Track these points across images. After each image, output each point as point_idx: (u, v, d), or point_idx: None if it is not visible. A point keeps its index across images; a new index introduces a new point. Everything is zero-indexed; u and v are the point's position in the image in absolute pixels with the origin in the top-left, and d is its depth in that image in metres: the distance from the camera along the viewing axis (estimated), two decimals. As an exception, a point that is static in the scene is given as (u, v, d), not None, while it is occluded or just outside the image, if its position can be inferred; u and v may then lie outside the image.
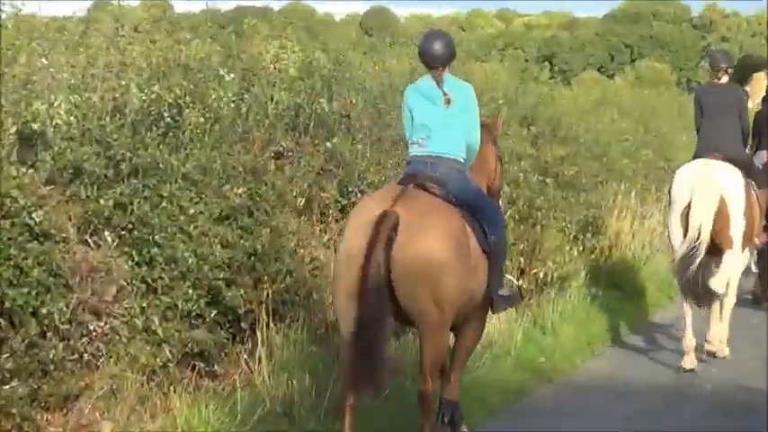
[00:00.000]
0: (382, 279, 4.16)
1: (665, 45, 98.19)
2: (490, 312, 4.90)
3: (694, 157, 7.49)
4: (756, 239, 7.79)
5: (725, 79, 7.72)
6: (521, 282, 7.47)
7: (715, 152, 7.34)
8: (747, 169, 7.54)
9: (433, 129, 4.76)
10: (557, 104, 10.37)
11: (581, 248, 8.58)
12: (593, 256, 8.90)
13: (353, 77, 7.38)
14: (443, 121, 4.76)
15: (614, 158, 10.92)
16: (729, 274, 7.18)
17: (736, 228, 7.15)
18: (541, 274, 7.74)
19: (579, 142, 9.76)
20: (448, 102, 4.76)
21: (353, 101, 6.93)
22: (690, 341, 6.98)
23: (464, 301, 4.51)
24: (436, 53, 4.81)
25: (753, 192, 7.49)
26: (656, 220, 11.36)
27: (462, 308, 4.53)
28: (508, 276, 5.54)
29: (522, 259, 7.64)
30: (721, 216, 7.04)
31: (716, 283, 6.99)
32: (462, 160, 4.80)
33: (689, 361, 6.92)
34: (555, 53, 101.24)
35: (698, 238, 6.83)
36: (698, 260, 6.75)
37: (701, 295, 6.88)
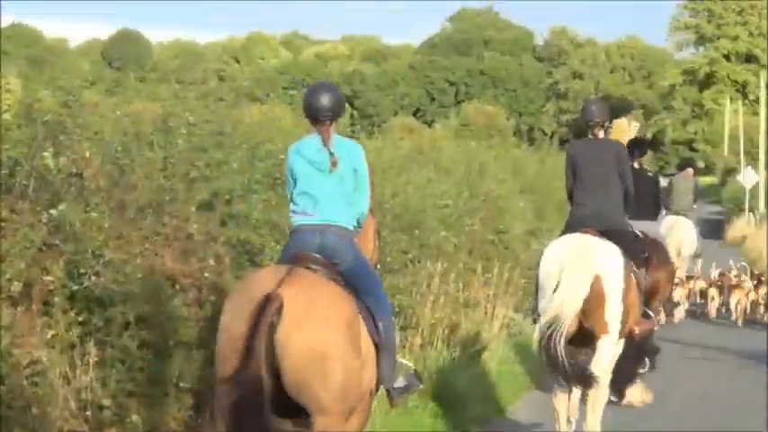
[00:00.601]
0: (260, 372, 5.20)
1: (499, 83, 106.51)
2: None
3: (566, 230, 8.60)
4: (636, 328, 8.87)
5: (602, 134, 8.83)
6: None
7: (592, 223, 8.44)
8: (628, 243, 8.64)
9: (319, 199, 5.90)
10: None
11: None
12: (400, 356, 9.67)
13: (88, 124, 7.63)
14: (330, 190, 5.91)
15: (430, 230, 11.89)
16: (603, 366, 8.27)
17: (613, 312, 8.20)
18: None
19: (384, 209, 10.52)
20: (334, 164, 5.88)
21: (87, 155, 7.20)
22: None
23: (356, 394, 5.53)
24: (323, 106, 5.94)
25: (632, 273, 8.52)
26: (482, 310, 12.59)
27: (353, 401, 5.55)
28: (403, 361, 6.43)
29: None
30: (596, 298, 8.07)
31: (594, 369, 8.15)
32: (352, 228, 5.98)
33: None
34: (358, 92, 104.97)
35: (557, 321, 7.83)
36: (558, 347, 7.78)
37: (571, 374, 7.93)
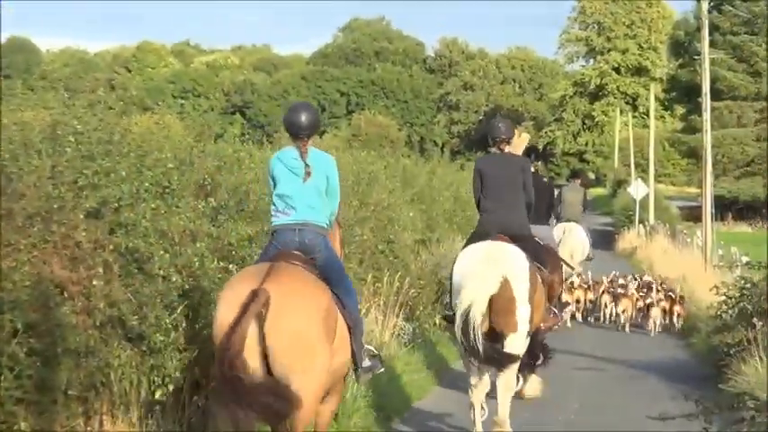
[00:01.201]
0: (242, 349, 6.33)
1: (391, 93, 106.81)
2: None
3: (475, 237, 9.70)
4: (542, 325, 10.33)
5: (507, 149, 10.06)
6: (195, 398, 8.19)
7: (499, 230, 9.55)
8: (533, 247, 9.79)
9: (295, 199, 7.23)
10: (246, 169, 10.98)
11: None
12: None
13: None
14: (305, 193, 7.24)
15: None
16: (514, 354, 9.19)
17: (521, 312, 9.19)
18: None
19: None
20: (308, 174, 7.24)
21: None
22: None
23: (331, 377, 6.88)
24: (302, 125, 7.34)
25: (538, 275, 9.65)
26: (373, 317, 12.91)
27: (329, 383, 6.91)
28: (367, 346, 7.64)
29: (197, 369, 8.24)
30: (505, 299, 9.08)
31: (503, 378, 9.23)
32: (326, 226, 7.36)
33: None
34: (248, 102, 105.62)
35: (470, 318, 8.79)
36: (477, 333, 8.79)
37: (489, 353, 8.89)
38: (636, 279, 21.00)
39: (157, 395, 8.13)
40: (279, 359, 6.50)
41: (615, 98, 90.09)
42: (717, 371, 13.26)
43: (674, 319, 19.19)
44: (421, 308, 15.45)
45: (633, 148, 62.52)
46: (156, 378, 8.14)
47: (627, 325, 19.18)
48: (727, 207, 55.28)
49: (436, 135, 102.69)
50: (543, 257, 10.43)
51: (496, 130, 10.11)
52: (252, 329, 6.44)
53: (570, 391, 13.04)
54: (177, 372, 8.18)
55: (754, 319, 13.26)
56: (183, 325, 8.29)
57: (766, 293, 13.23)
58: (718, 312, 14.58)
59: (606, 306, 19.67)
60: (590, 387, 13.45)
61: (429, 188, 24.81)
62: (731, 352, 13.25)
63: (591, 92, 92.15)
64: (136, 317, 7.94)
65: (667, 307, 19.23)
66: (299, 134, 7.36)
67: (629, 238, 41.85)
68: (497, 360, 9.05)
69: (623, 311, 19.18)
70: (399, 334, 13.91)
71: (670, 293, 19.64)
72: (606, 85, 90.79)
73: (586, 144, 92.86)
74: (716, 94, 49.61)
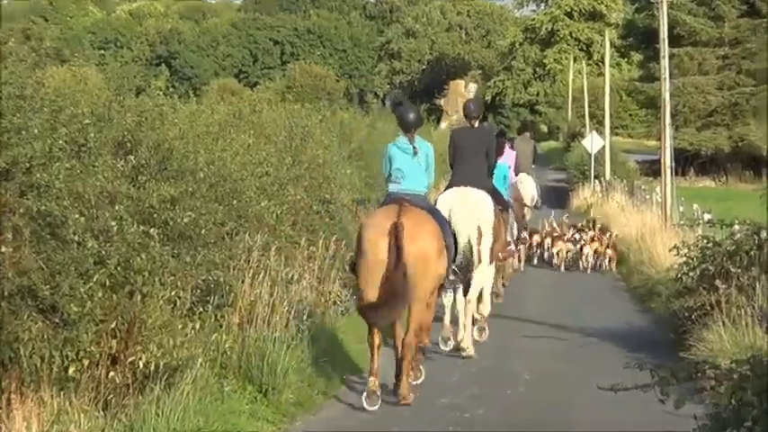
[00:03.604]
0: (404, 263, 10.38)
1: (328, 42, 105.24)
2: None
3: (449, 187, 13.32)
4: (500, 254, 14.27)
5: (476, 124, 13.72)
6: (111, 374, 8.17)
7: (468, 184, 13.07)
8: (495, 195, 13.55)
9: (405, 172, 11.14)
10: (169, 125, 10.96)
11: (199, 326, 9.28)
12: (217, 336, 9.66)
13: None
14: (412, 167, 11.13)
15: (249, 200, 12.06)
16: (482, 284, 13.41)
17: (486, 244, 12.94)
18: (142, 363, 8.24)
19: (198, 178, 10.58)
20: (415, 153, 11.14)
21: None
22: (447, 329, 13.36)
23: (438, 279, 10.94)
24: (411, 122, 11.31)
25: (500, 214, 13.66)
26: (307, 284, 12.84)
27: (437, 283, 11.01)
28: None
29: (114, 342, 8.19)
30: (477, 234, 12.81)
31: (469, 295, 13.22)
32: (424, 193, 11.29)
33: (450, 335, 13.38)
34: (175, 53, 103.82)
35: (471, 251, 12.71)
36: (474, 256, 12.80)
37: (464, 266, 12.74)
38: (573, 227, 24.55)
39: (71, 371, 8.08)
40: (412, 268, 10.39)
41: (568, 45, 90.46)
42: (677, 338, 13.34)
43: (605, 262, 23.03)
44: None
45: (588, 98, 62.93)
46: (69, 353, 8.06)
47: (562, 265, 23.01)
48: (688, 161, 55.66)
49: (377, 86, 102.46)
50: (503, 200, 14.41)
51: (469, 110, 13.69)
52: (393, 249, 10.33)
53: (520, 361, 13.16)
54: (93, 345, 8.13)
55: (717, 282, 13.23)
56: (100, 294, 8.18)
57: (728, 253, 13.31)
58: (679, 275, 14.61)
59: (548, 249, 23.55)
60: (541, 356, 13.56)
61: (369, 143, 24.78)
62: (692, 317, 13.35)
63: (542, 39, 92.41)
64: (48, 286, 7.87)
65: (601, 250, 23.04)
66: (407, 129, 11.29)
67: (584, 195, 42.16)
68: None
69: (558, 252, 23.15)
70: (336, 302, 13.88)
71: (602, 237, 23.45)
72: (558, 31, 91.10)
73: (538, 94, 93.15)
74: (675, 40, 49.97)
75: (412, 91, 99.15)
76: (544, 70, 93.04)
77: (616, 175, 42.68)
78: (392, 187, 11.23)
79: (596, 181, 42.90)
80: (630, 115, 79.88)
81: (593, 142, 43.80)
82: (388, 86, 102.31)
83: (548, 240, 23.77)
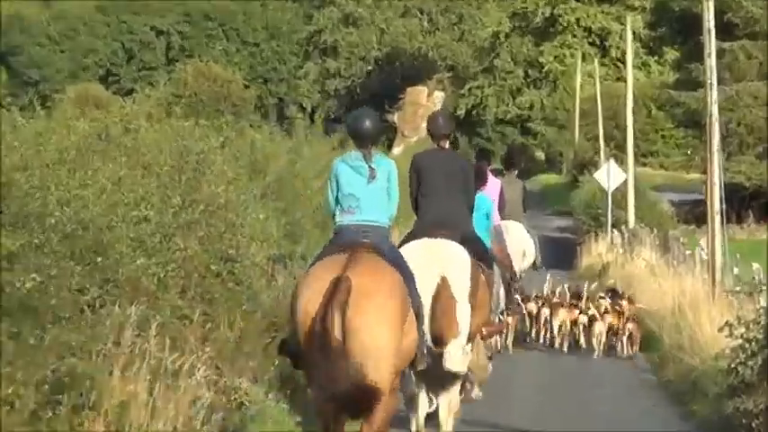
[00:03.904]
0: (339, 338, 10.44)
1: (234, 32, 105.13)
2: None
3: (412, 236, 13.44)
4: (484, 330, 14.03)
5: (447, 145, 13.99)
6: None
7: (440, 229, 13.30)
8: (476, 245, 13.60)
9: (360, 198, 11.39)
10: (5, 150, 11.09)
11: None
12: None
13: None
14: (369, 193, 11.40)
15: (119, 257, 11.95)
16: (455, 371, 13.18)
17: (462, 313, 12.97)
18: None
19: (48, 225, 10.51)
20: (373, 177, 11.40)
21: None
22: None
23: (401, 358, 11.01)
24: (366, 132, 11.61)
25: (481, 273, 13.47)
26: (201, 377, 12.82)
27: (400, 364, 11.10)
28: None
29: None
30: (444, 299, 12.85)
31: (443, 398, 13.24)
32: (387, 227, 11.61)
33: None
34: (16, 47, 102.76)
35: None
36: (424, 347, 11.93)
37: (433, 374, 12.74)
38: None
39: None
40: (359, 340, 10.55)
41: (574, 37, 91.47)
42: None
43: (624, 341, 23.52)
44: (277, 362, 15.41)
45: (602, 113, 63.34)
46: None
47: (564, 343, 23.89)
48: (745, 202, 56.15)
49: (303, 94, 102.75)
50: (488, 254, 14.31)
51: (437, 125, 14.03)
52: (337, 315, 10.46)
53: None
54: None
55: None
56: None
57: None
58: (733, 365, 14.71)
59: (546, 321, 24.16)
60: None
61: (291, 177, 24.84)
62: (753, 425, 13.39)
63: (537, 28, 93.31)
64: None
65: (618, 325, 23.56)
66: (362, 142, 11.62)
67: (599, 251, 42.46)
68: (440, 377, 13.09)
69: (560, 325, 23.91)
70: (244, 402, 13.89)
71: (617, 306, 23.97)
72: (560, 17, 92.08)
73: (531, 107, 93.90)
74: (726, 31, 50.41)
75: (352, 101, 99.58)
76: (540, 73, 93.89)
77: (643, 223, 43.05)
78: (344, 219, 11.61)
79: (615, 231, 43.17)
80: (663, 137, 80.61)
81: (610, 175, 44.11)
82: (320, 95, 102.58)
83: (545, 311, 24.32)
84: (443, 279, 12.87)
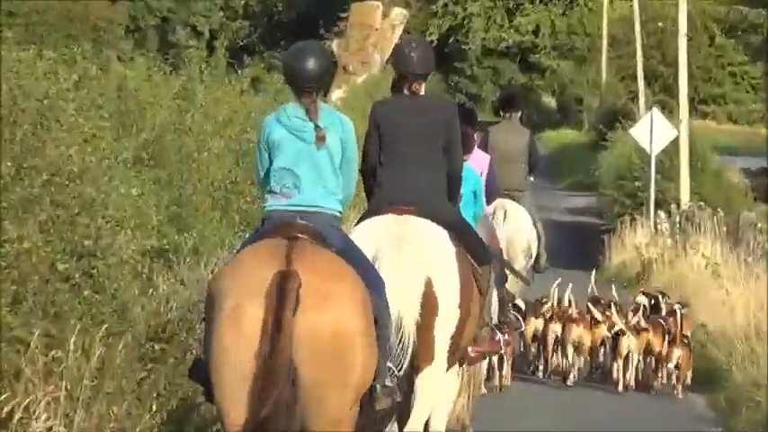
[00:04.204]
0: (290, 356, 10.58)
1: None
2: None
3: (370, 213, 13.47)
4: (471, 349, 14.05)
5: (423, 91, 13.76)
6: None
7: (408, 207, 13.25)
8: (466, 237, 13.62)
9: (302, 176, 11.51)
10: None
11: None
12: None
13: None
14: (314, 165, 11.55)
15: None
16: (429, 409, 13.48)
17: (445, 326, 13.09)
18: None
19: None
20: (321, 140, 11.54)
21: None
22: None
23: (362, 387, 11.15)
24: (309, 73, 11.70)
25: (470, 266, 13.54)
26: (43, 426, 12.83)
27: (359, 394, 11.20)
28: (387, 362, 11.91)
29: None
30: (424, 309, 12.97)
31: (410, 427, 13.17)
32: (339, 215, 11.75)
33: None
34: None
35: (399, 334, 12.63)
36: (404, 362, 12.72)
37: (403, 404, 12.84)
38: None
39: None
40: (309, 366, 10.82)
41: None
42: None
43: (670, 369, 23.27)
44: (171, 401, 15.54)
45: (642, 40, 63.63)
46: None
47: (573, 372, 23.83)
48: None
49: (197, 13, 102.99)
50: (481, 246, 14.35)
51: (403, 59, 13.91)
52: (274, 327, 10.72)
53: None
54: None
55: None
56: None
57: None
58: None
59: (556, 342, 24.05)
60: None
61: (178, 134, 24.90)
62: None
63: None
64: None
65: (660, 346, 23.23)
66: (303, 86, 11.75)
67: (637, 241, 42.57)
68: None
69: (577, 345, 23.61)
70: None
71: (660, 320, 23.69)
72: None
73: (536, 31, 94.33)
74: None
75: (270, 24, 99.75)
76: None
77: (703, 202, 43.16)
78: (276, 203, 11.75)
79: (661, 213, 43.33)
80: (732, 75, 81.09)
81: (653, 132, 44.15)
82: (222, 14, 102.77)
83: (555, 327, 24.04)
84: (428, 279, 12.95)
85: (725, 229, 37.27)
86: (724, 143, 61.35)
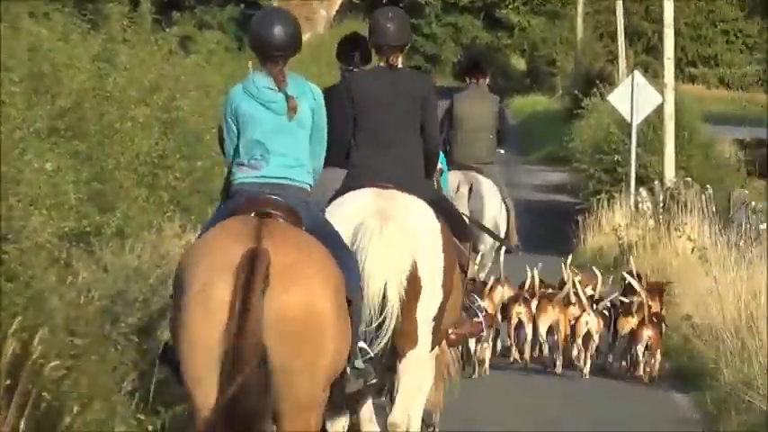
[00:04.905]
0: (260, 337, 11.48)
1: None
2: None
3: (346, 188, 14.31)
4: (452, 331, 15.31)
5: (399, 63, 14.73)
6: None
7: (388, 182, 14.15)
8: (448, 214, 14.68)
9: (271, 148, 12.45)
10: None
11: None
12: None
13: None
14: (285, 137, 12.48)
15: None
16: (415, 393, 14.49)
17: (428, 310, 14.10)
18: None
19: None
20: (293, 110, 12.44)
21: None
22: None
23: (334, 369, 12.14)
24: (277, 40, 12.53)
25: (453, 243, 14.53)
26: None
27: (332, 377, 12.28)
28: (361, 344, 13.04)
29: None
30: (411, 284, 13.91)
31: (393, 417, 14.20)
32: (309, 188, 12.70)
33: None
34: None
35: (382, 312, 13.71)
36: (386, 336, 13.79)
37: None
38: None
39: None
40: (278, 347, 11.59)
41: None
42: None
43: (639, 350, 24.10)
44: (94, 402, 15.64)
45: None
46: None
47: (558, 360, 24.81)
48: None
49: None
50: (462, 223, 15.60)
51: (382, 33, 14.73)
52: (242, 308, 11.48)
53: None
54: None
55: None
56: None
57: None
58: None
59: (527, 324, 24.77)
60: None
61: (99, 101, 24.95)
62: None
63: None
64: None
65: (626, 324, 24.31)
66: (272, 55, 12.60)
67: (615, 223, 42.68)
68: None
69: (552, 327, 24.59)
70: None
71: (631, 300, 24.76)
72: None
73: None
74: None
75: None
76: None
77: (690, 177, 43.29)
78: (244, 175, 12.65)
79: (642, 190, 43.42)
80: (725, 33, 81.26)
81: (635, 98, 44.24)
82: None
83: (521, 309, 24.71)
84: (413, 260, 13.85)
85: (714, 208, 37.37)
86: (715, 111, 61.44)
